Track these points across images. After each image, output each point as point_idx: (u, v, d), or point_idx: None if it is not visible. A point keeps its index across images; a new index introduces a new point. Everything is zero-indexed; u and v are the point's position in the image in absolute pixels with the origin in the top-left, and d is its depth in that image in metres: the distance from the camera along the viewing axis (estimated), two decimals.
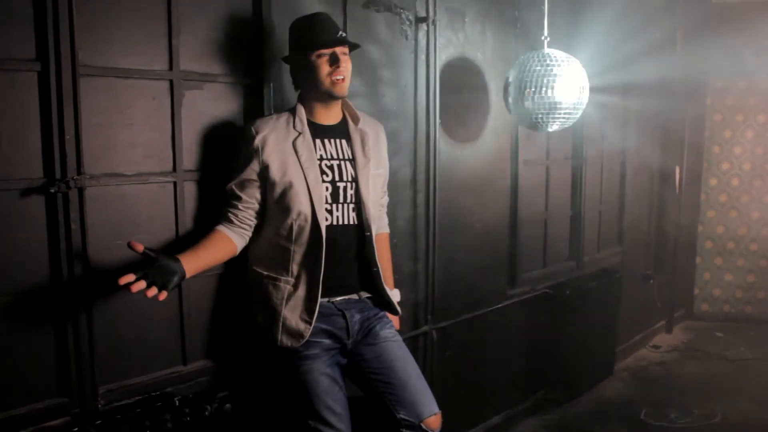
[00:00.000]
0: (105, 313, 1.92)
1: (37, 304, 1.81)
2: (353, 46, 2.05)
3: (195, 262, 1.85)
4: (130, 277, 1.67)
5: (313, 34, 1.97)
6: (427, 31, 2.83)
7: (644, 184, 4.82)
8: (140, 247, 1.72)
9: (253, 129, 1.98)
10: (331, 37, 1.98)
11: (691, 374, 4.36)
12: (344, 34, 2.01)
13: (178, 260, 1.80)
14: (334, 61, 1.97)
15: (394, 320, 2.24)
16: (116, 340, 1.96)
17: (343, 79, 1.99)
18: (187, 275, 1.82)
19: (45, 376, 1.83)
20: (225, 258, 2.00)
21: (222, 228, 1.99)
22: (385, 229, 2.31)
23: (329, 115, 2.07)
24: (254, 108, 2.21)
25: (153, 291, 1.70)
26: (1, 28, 1.69)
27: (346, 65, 1.99)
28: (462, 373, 3.20)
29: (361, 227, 2.07)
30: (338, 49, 1.98)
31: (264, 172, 1.97)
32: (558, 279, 3.81)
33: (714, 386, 4.12)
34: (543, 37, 2.78)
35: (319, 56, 1.96)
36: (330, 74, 1.97)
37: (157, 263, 1.73)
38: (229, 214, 2.00)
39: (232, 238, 1.99)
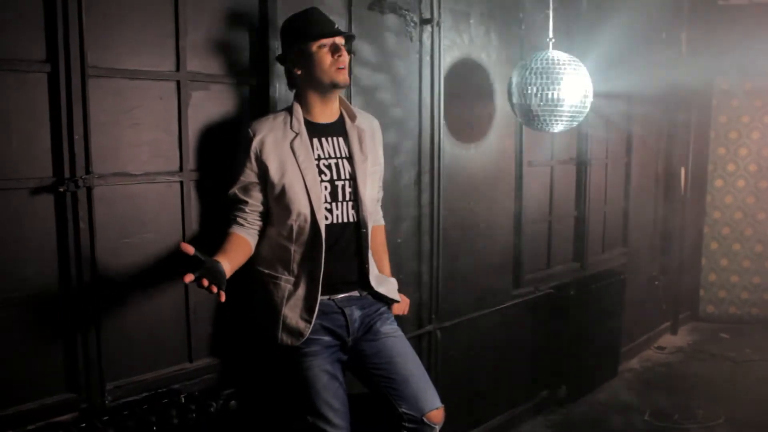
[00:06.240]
0: (112, 310, 1.95)
1: (46, 301, 1.83)
2: (350, 38, 2.09)
3: (229, 264, 1.86)
4: (191, 276, 1.68)
5: (313, 26, 2.00)
6: (432, 33, 2.85)
7: (649, 185, 4.82)
8: (191, 250, 1.71)
9: (250, 131, 2.00)
10: (330, 28, 2.01)
11: (695, 376, 4.35)
12: (338, 26, 2.06)
13: (219, 262, 1.81)
14: (336, 50, 2.00)
15: (402, 305, 2.28)
16: (123, 337, 1.99)
17: (344, 68, 2.01)
18: (227, 277, 1.83)
19: (54, 372, 1.86)
20: (246, 259, 2.01)
21: (237, 230, 2.01)
22: (381, 222, 2.33)
23: (327, 113, 2.09)
24: (260, 108, 2.24)
25: (215, 289, 1.72)
26: (12, 30, 1.72)
27: (346, 55, 2.02)
28: (466, 373, 3.21)
29: (359, 224, 2.10)
30: (337, 39, 2.02)
31: (263, 173, 2.00)
32: (562, 280, 3.82)
33: (719, 388, 4.11)
34: (548, 39, 2.80)
35: (321, 47, 1.99)
36: (333, 64, 1.99)
37: (206, 265, 1.74)
38: (239, 218, 2.02)
39: (248, 240, 2.02)
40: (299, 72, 2.03)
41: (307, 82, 2.03)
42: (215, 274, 1.76)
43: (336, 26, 2.03)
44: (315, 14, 2.04)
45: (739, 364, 4.53)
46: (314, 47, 1.98)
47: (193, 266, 1.71)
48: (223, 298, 1.76)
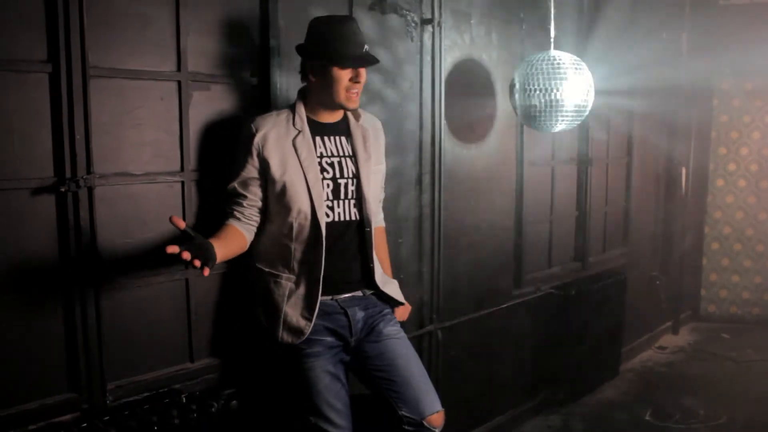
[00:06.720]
0: (114, 310, 1.95)
1: (48, 301, 1.84)
2: (375, 62, 2.04)
3: (221, 249, 1.85)
4: (175, 248, 1.66)
5: (342, 47, 1.95)
6: (433, 33, 2.85)
7: (650, 185, 4.82)
8: (182, 224, 1.71)
9: (253, 126, 2.00)
10: (358, 53, 1.97)
11: (697, 375, 4.35)
12: (367, 48, 2.01)
13: (211, 244, 1.80)
14: (356, 75, 1.98)
15: (404, 310, 2.28)
16: (125, 337, 1.99)
17: (357, 93, 2.01)
18: (216, 261, 1.81)
19: (55, 372, 1.87)
20: (239, 252, 2.01)
21: (233, 223, 2.01)
22: (382, 223, 2.33)
23: (330, 115, 2.09)
24: (261, 108, 2.23)
25: (198, 263, 1.69)
26: (13, 31, 1.72)
27: (364, 79, 2.01)
28: (467, 373, 3.21)
29: (362, 223, 2.09)
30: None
31: (264, 169, 2.00)
32: (563, 279, 3.82)
33: (720, 388, 4.11)
34: (550, 39, 2.80)
35: (343, 68, 1.97)
36: (349, 88, 1.99)
37: (195, 241, 1.73)
38: (236, 212, 2.02)
39: (243, 233, 2.01)
40: (313, 79, 2.01)
41: (318, 91, 2.03)
42: (203, 251, 1.73)
43: (365, 48, 2.00)
44: (348, 32, 1.97)
45: (741, 364, 4.53)
46: (336, 68, 1.96)
47: (182, 241, 1.70)
48: (206, 273, 1.71)
